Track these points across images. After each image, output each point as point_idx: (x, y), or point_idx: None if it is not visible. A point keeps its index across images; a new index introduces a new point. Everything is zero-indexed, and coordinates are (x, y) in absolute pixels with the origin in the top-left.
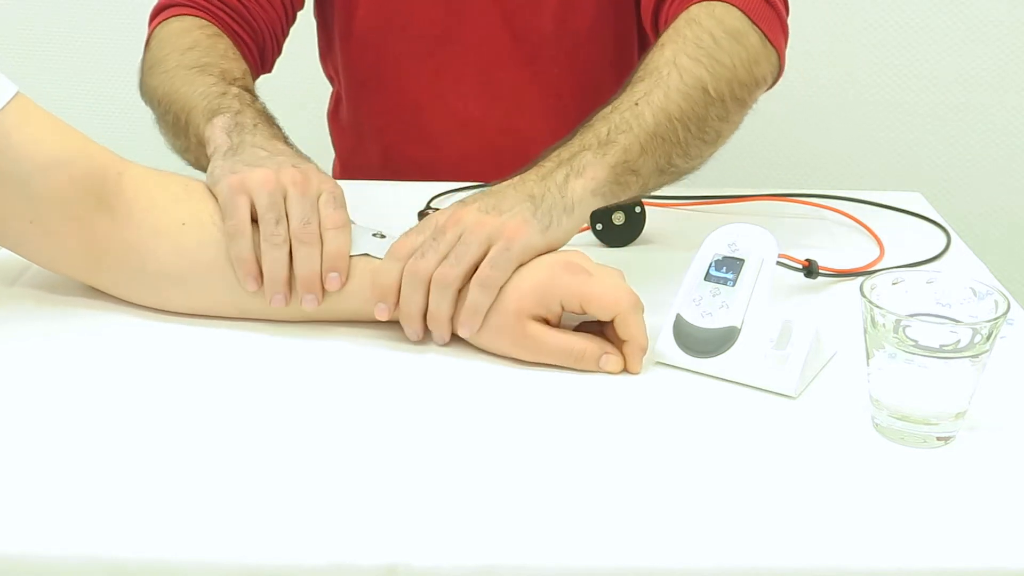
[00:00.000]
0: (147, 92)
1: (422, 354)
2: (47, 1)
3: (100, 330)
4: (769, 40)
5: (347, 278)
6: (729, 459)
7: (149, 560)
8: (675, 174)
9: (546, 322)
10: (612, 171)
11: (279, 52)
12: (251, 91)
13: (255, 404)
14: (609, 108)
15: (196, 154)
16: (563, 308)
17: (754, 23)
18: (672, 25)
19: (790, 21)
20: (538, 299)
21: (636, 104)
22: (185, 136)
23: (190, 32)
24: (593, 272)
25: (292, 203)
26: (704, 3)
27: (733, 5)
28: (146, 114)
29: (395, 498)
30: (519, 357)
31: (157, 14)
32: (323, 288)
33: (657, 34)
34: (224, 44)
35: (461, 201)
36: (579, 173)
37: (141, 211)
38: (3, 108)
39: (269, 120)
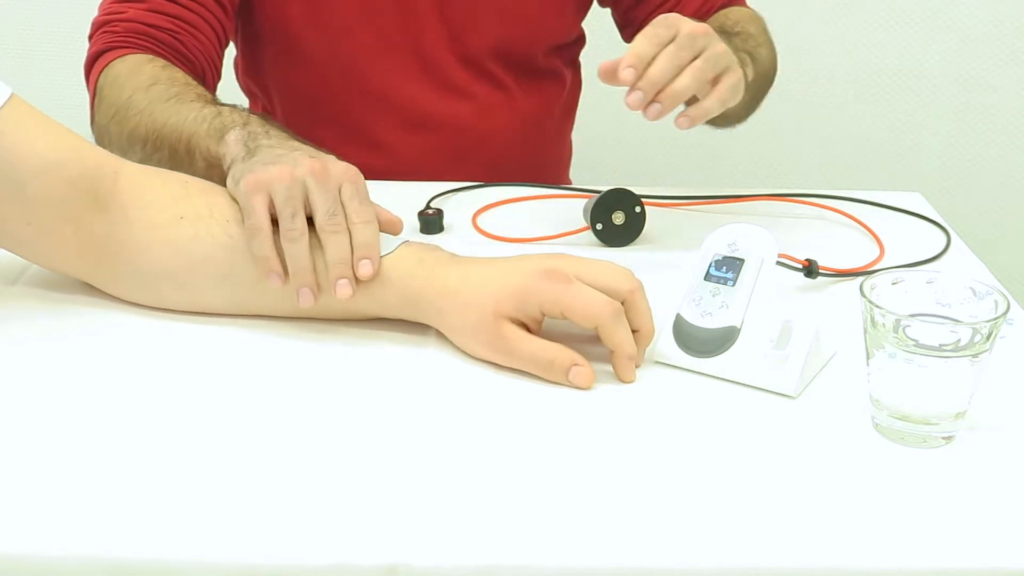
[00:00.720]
0: (120, 136)
1: (422, 353)
2: (47, 1)
3: (101, 329)
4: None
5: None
6: (729, 459)
7: (149, 560)
8: (736, 117)
9: (526, 328)
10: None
11: (219, 77)
12: (239, 107)
13: (254, 404)
14: (739, 41)
15: (205, 178)
16: (543, 314)
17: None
18: (738, 10)
19: (790, 21)
20: (517, 304)
21: (750, 53)
22: (189, 164)
23: (141, 68)
24: (573, 280)
25: (315, 196)
26: (755, 13)
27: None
28: None
29: (395, 498)
30: (491, 359)
31: (92, 63)
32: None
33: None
34: (180, 73)
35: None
36: (742, 65)
37: (137, 209)
38: None
39: (276, 126)
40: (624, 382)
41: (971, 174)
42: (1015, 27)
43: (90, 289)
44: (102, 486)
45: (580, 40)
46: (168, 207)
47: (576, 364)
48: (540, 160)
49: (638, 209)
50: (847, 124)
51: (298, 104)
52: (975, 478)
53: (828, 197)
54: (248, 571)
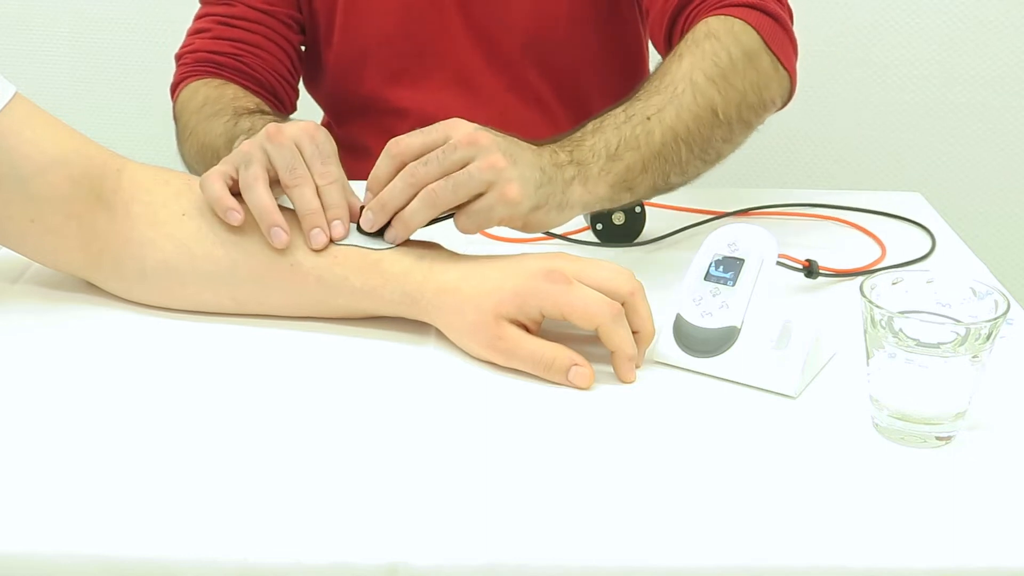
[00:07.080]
0: (191, 159)
1: (422, 352)
2: (47, 1)
3: (102, 328)
4: (781, 63)
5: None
6: (729, 459)
7: (149, 559)
8: (668, 188)
9: (525, 328)
10: (611, 189)
11: (296, 93)
12: (267, 111)
13: (254, 403)
14: (623, 116)
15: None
16: (543, 316)
17: (767, 46)
18: (691, 35)
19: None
20: (518, 305)
21: (648, 119)
22: None
23: (197, 92)
24: (573, 282)
25: (273, 156)
26: (723, 17)
27: (750, 24)
28: (147, 115)
29: (395, 498)
30: (491, 359)
31: (173, 91)
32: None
33: (670, 43)
34: (231, 89)
35: (480, 128)
36: (583, 181)
37: (140, 205)
38: (1, 109)
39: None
40: (624, 383)
41: (971, 174)
42: (1015, 27)
43: (91, 288)
44: (102, 485)
45: (636, 72)
46: (171, 203)
47: (576, 364)
48: None
49: (638, 209)
50: (846, 124)
51: (344, 111)
52: (975, 478)
53: (823, 207)
54: (248, 571)
